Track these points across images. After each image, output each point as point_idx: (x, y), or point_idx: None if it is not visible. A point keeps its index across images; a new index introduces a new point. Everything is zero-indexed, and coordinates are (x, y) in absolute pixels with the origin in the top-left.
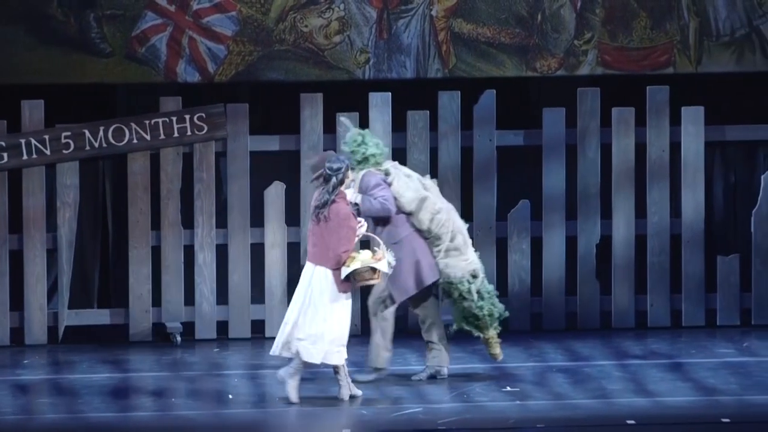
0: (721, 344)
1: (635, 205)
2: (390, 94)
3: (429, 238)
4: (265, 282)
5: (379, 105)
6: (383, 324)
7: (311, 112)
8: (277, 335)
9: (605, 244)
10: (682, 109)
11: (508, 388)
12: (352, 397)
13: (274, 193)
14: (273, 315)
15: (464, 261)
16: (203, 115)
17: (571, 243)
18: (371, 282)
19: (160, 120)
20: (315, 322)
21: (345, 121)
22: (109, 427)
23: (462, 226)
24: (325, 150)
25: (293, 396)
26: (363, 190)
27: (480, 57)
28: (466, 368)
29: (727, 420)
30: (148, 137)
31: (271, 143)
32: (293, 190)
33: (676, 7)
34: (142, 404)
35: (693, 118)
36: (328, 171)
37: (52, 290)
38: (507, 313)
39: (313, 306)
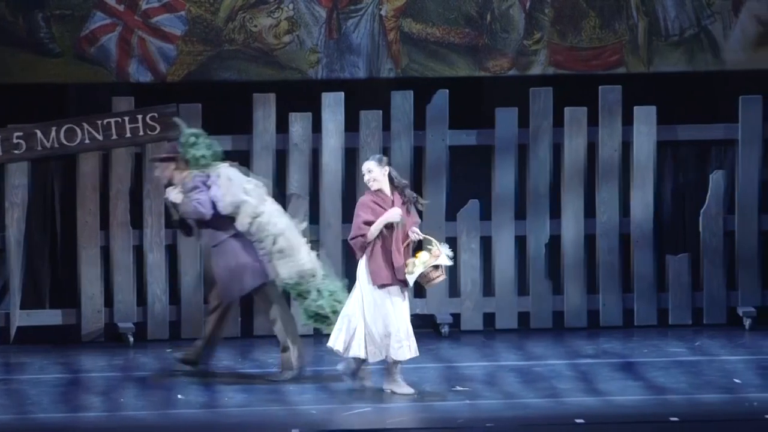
0: (672, 343)
1: (585, 204)
2: (343, 93)
3: (253, 241)
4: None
5: (332, 105)
6: (276, 327)
7: (264, 112)
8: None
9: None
10: (635, 108)
11: (459, 388)
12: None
13: None
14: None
15: (291, 263)
16: (156, 115)
17: (521, 242)
18: (439, 279)
19: (112, 120)
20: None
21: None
22: (58, 428)
23: (287, 228)
24: (277, 150)
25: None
26: (184, 192)
27: (431, 57)
28: (417, 367)
29: (675, 419)
30: (100, 137)
31: (224, 143)
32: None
33: (625, 7)
34: (91, 404)
35: (645, 117)
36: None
37: (3, 291)
38: None
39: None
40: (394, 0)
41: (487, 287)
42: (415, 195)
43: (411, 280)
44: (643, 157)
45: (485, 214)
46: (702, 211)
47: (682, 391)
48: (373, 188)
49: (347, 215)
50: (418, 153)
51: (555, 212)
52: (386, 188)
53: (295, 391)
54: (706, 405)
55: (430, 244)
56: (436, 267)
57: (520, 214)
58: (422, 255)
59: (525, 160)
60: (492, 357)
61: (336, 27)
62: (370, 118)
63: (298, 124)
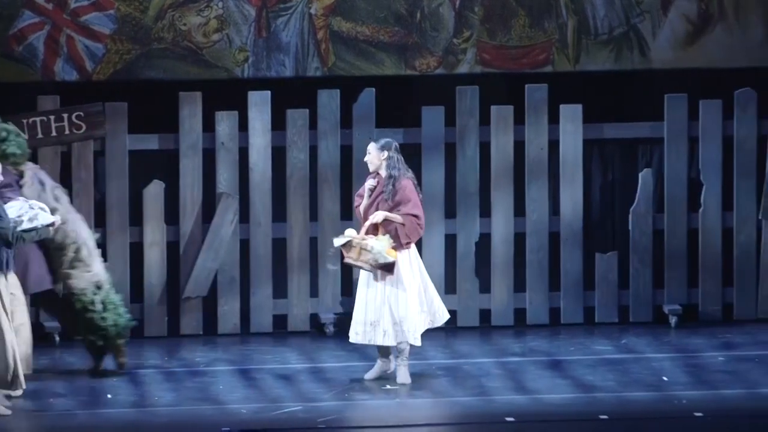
0: (599, 341)
1: (514, 203)
2: (269, 92)
3: (52, 247)
4: (144, 281)
5: (259, 104)
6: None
7: (190, 111)
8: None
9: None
10: (561, 107)
11: (388, 387)
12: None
13: (153, 192)
14: (152, 315)
15: (89, 273)
16: (81, 114)
17: (450, 241)
18: (347, 261)
19: (38, 119)
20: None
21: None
22: None
23: (88, 237)
24: (205, 149)
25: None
26: None
27: (359, 55)
28: (346, 366)
29: (605, 417)
30: (25, 137)
31: (150, 142)
32: (172, 189)
33: (555, 6)
34: (20, 405)
35: (571, 116)
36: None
37: None
38: (133, 323)
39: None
40: None
41: None
42: (391, 190)
43: (336, 242)
44: (570, 156)
45: None
46: (631, 209)
47: (610, 389)
48: (370, 169)
49: (277, 214)
50: (345, 152)
51: (485, 211)
52: (382, 172)
53: (226, 390)
54: (634, 403)
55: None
56: (365, 252)
57: (449, 212)
58: (369, 238)
59: (453, 159)
60: (420, 355)
61: (265, 25)
62: (297, 117)
63: (225, 122)
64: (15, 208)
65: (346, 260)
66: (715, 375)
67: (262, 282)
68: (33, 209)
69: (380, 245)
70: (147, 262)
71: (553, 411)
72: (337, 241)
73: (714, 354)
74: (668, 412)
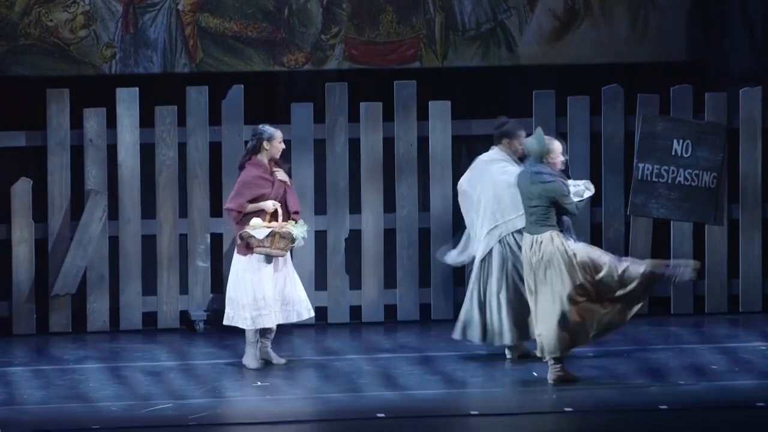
0: None
1: (384, 199)
2: (137, 89)
3: None
4: (12, 279)
5: (127, 100)
6: None
7: (58, 107)
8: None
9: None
10: (430, 103)
11: (259, 383)
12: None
13: (21, 190)
14: (20, 312)
15: None
16: None
17: (320, 237)
18: (260, 251)
19: None
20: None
21: None
22: None
23: None
24: (73, 146)
25: None
26: None
27: (227, 51)
28: (216, 363)
29: (475, 412)
30: None
31: (18, 139)
32: (40, 186)
33: (422, 2)
34: None
35: (440, 112)
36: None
37: None
38: None
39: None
40: None
41: None
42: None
43: (259, 234)
44: (439, 152)
45: None
46: None
47: (480, 384)
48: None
49: (146, 211)
50: (215, 149)
51: (355, 207)
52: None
53: (96, 387)
54: (504, 398)
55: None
56: (274, 236)
57: (319, 209)
58: (256, 220)
59: (323, 156)
60: (290, 352)
61: (133, 21)
62: (166, 114)
63: (93, 119)
64: None
65: (259, 251)
66: (585, 370)
67: (131, 279)
68: None
69: (299, 230)
70: (15, 259)
71: (423, 407)
72: (260, 233)
73: (584, 350)
74: (537, 407)
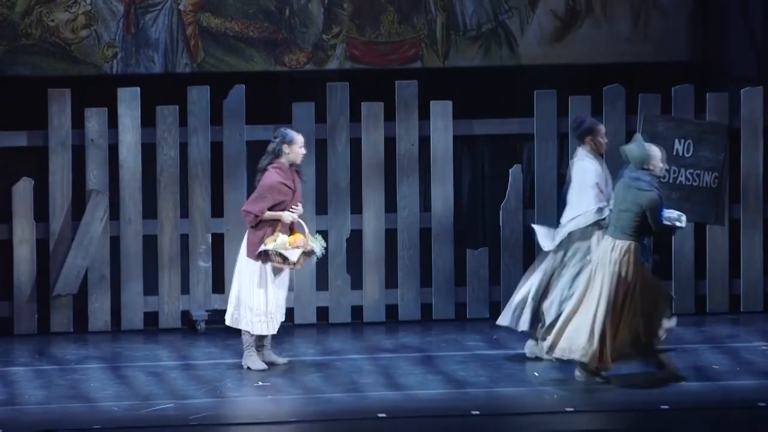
0: (470, 337)
1: (385, 199)
2: (138, 89)
3: None
4: (13, 279)
5: (128, 100)
6: None
7: (59, 107)
8: None
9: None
10: (431, 103)
11: (260, 383)
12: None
13: (22, 190)
14: (22, 312)
15: None
16: None
17: (322, 237)
18: (283, 266)
19: None
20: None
21: None
22: None
23: None
24: (74, 146)
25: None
26: None
27: (228, 51)
28: (218, 363)
29: (476, 412)
30: None
31: (19, 139)
32: (42, 186)
33: (424, 2)
34: None
35: (441, 112)
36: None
37: None
38: None
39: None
40: None
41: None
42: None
43: (258, 249)
44: (441, 152)
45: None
46: (502, 205)
47: (481, 384)
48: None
49: (147, 211)
50: (216, 148)
51: (356, 207)
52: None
53: (97, 388)
54: (506, 398)
55: (303, 233)
56: (284, 258)
57: (320, 209)
58: (282, 237)
59: (324, 155)
60: (291, 352)
61: (134, 21)
62: (167, 114)
63: (94, 119)
64: None
65: (279, 266)
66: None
67: (132, 279)
68: None
69: (319, 246)
70: (16, 259)
71: (424, 407)
72: (293, 254)
73: None
74: (540, 407)
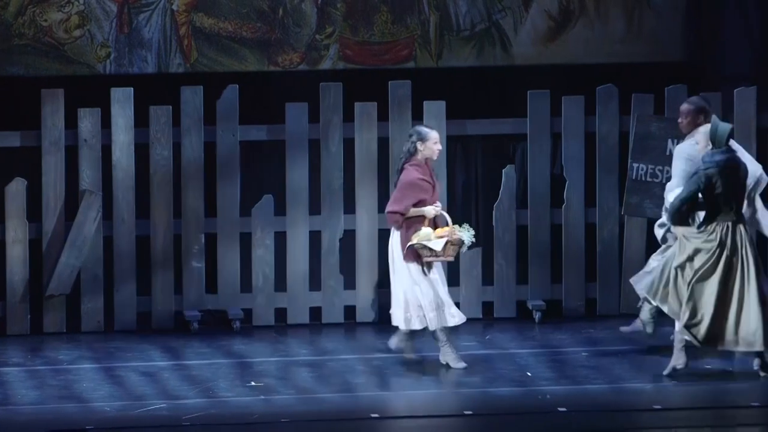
0: (464, 337)
1: (378, 199)
2: (132, 89)
3: None
4: (6, 279)
5: (121, 100)
6: None
7: (52, 107)
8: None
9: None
10: (424, 103)
11: (253, 383)
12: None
13: (15, 190)
14: (14, 312)
15: None
16: None
17: (315, 237)
18: (430, 259)
19: None
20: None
21: None
22: None
23: None
24: (67, 146)
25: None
26: None
27: (222, 51)
28: (211, 363)
29: (469, 412)
30: None
31: (12, 139)
32: (35, 186)
33: (417, 2)
34: None
35: (435, 112)
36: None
37: None
38: None
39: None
40: None
41: (281, 282)
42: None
43: (437, 246)
44: None
45: (279, 210)
46: (495, 205)
47: (474, 384)
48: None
49: (140, 211)
50: (209, 148)
51: (349, 207)
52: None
53: (90, 388)
54: (499, 398)
55: (446, 224)
56: (430, 249)
57: (314, 209)
58: (425, 230)
59: (317, 156)
60: (285, 352)
61: (127, 21)
62: (160, 114)
63: (87, 119)
64: None
65: (429, 260)
66: (579, 370)
67: (125, 279)
68: None
69: (467, 235)
70: (9, 259)
71: (417, 407)
72: (437, 245)
73: (577, 349)
74: (532, 407)
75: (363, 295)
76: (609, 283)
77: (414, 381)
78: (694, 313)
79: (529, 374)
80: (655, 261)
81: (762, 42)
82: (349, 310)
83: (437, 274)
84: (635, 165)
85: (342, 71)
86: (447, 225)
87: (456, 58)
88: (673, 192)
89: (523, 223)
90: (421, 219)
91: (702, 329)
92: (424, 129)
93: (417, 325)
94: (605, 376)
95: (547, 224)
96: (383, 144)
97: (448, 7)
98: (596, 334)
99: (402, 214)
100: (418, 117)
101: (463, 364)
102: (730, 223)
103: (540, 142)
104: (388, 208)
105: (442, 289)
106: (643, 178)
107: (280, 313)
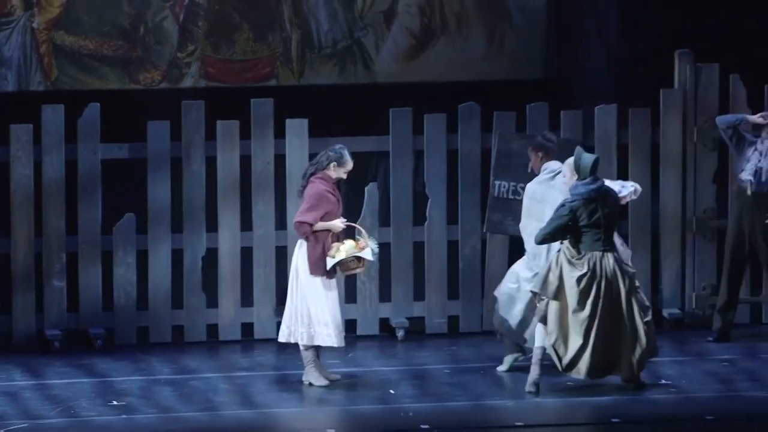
0: (327, 355)
1: (241, 217)
2: None
3: None
4: None
5: None
6: None
7: None
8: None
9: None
10: (287, 121)
11: (115, 402)
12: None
13: None
14: None
15: None
16: None
17: (177, 256)
18: (357, 271)
19: None
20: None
21: None
22: None
23: None
24: None
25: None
26: None
27: (83, 69)
28: (73, 383)
29: (332, 430)
30: None
31: None
32: None
33: (279, 20)
34: None
35: (297, 130)
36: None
37: None
38: None
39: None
40: (46, 12)
41: (143, 301)
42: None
43: (329, 263)
44: (297, 170)
45: (141, 228)
46: (357, 223)
47: (337, 402)
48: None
49: (1, 230)
50: (71, 167)
51: (211, 225)
52: None
53: None
54: (362, 416)
55: (360, 235)
56: (359, 259)
57: (176, 227)
58: (348, 243)
59: (179, 174)
60: (146, 371)
61: None
62: (21, 132)
63: None
64: None
65: (349, 273)
66: (441, 387)
67: None
68: None
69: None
70: None
71: (280, 425)
72: (331, 262)
73: (440, 366)
74: (395, 424)
75: (226, 314)
76: (471, 300)
77: (276, 399)
78: (564, 339)
79: (392, 392)
80: (524, 271)
81: (620, 59)
82: (212, 329)
83: (335, 290)
84: (497, 182)
85: (204, 89)
86: (354, 237)
87: (318, 75)
88: (527, 230)
89: (385, 240)
90: (326, 232)
91: (567, 357)
92: (346, 154)
93: (318, 342)
94: (468, 393)
95: (409, 242)
96: (245, 162)
97: (310, 25)
98: (459, 351)
99: (311, 225)
100: (280, 135)
101: (325, 382)
102: (599, 253)
103: (402, 160)
104: (297, 218)
105: (338, 308)
106: (505, 196)
107: (143, 332)
